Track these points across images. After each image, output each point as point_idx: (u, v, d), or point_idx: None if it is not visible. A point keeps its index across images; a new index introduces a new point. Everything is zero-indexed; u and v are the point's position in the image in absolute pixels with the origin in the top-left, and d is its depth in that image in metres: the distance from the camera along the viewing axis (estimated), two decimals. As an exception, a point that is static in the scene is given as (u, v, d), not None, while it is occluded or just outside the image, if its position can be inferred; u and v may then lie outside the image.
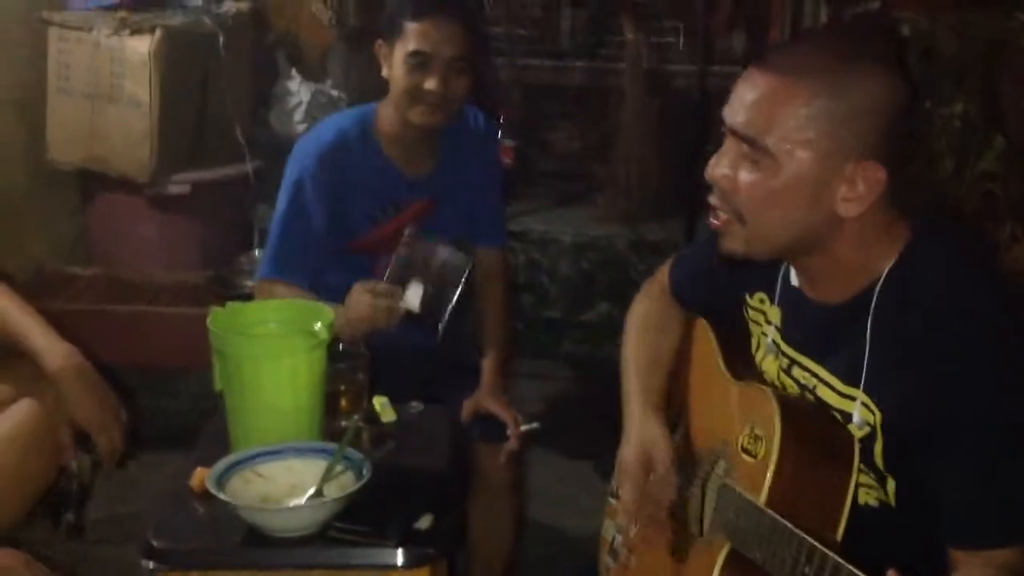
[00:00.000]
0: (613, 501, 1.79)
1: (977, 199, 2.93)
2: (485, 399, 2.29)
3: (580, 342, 4.04)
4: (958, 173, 3.07)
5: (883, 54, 1.36)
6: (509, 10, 4.27)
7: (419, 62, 2.20)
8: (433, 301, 2.17)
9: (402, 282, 2.17)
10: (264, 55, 3.96)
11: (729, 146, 1.38)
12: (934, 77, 3.09)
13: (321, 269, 2.30)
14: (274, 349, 1.78)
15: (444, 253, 2.20)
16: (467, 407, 2.28)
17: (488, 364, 2.37)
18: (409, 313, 2.17)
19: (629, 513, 1.62)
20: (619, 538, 1.74)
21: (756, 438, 1.41)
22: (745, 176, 1.36)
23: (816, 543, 1.24)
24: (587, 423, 3.31)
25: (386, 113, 2.32)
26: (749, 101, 1.35)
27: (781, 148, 1.32)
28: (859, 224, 1.36)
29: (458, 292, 2.20)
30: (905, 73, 1.38)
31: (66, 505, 2.04)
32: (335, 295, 2.17)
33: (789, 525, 1.28)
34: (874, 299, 1.36)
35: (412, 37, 2.21)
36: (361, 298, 2.15)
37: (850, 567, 1.19)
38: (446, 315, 2.20)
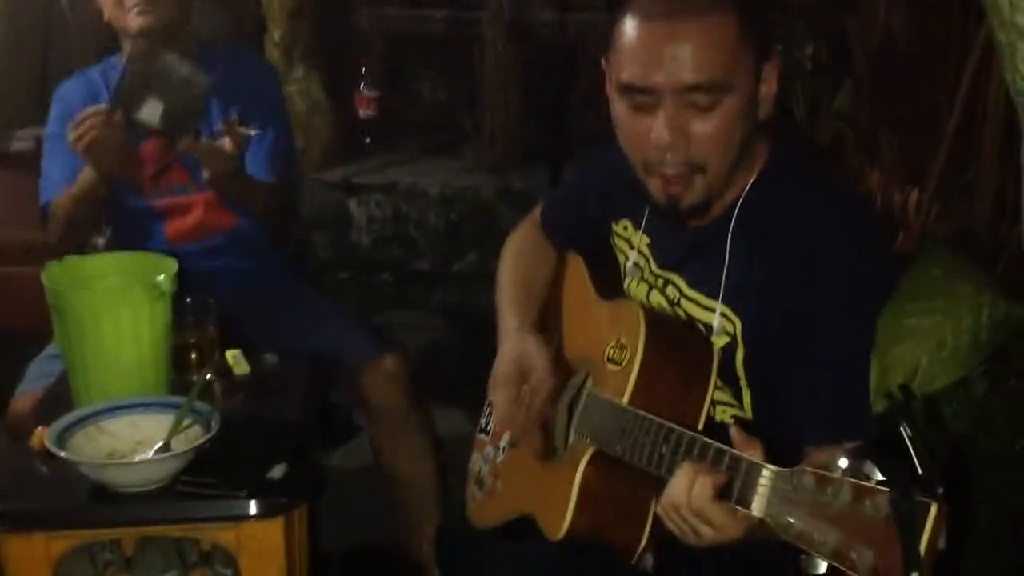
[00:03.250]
0: (481, 436, 1.80)
1: (829, 139, 3.00)
2: None
3: (451, 292, 4.03)
4: (812, 114, 3.14)
5: None
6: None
7: None
8: (176, 117, 2.10)
9: (137, 99, 2.09)
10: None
11: (667, 107, 1.34)
12: (786, 20, 3.14)
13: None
14: (113, 302, 1.72)
15: (183, 70, 2.10)
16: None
17: None
18: (150, 129, 2.11)
19: (503, 419, 1.62)
20: (486, 468, 1.75)
21: (621, 347, 1.46)
22: (697, 126, 1.34)
23: (671, 424, 1.30)
24: (459, 373, 3.30)
25: (123, 49, 2.33)
26: (674, 53, 1.32)
27: (726, 79, 1.33)
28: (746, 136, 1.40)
29: (202, 109, 2.15)
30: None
31: None
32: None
33: (647, 415, 1.34)
34: (735, 214, 1.42)
35: None
36: (84, 123, 2.08)
37: (702, 438, 1.24)
38: (193, 131, 2.13)
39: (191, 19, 2.34)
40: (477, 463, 1.79)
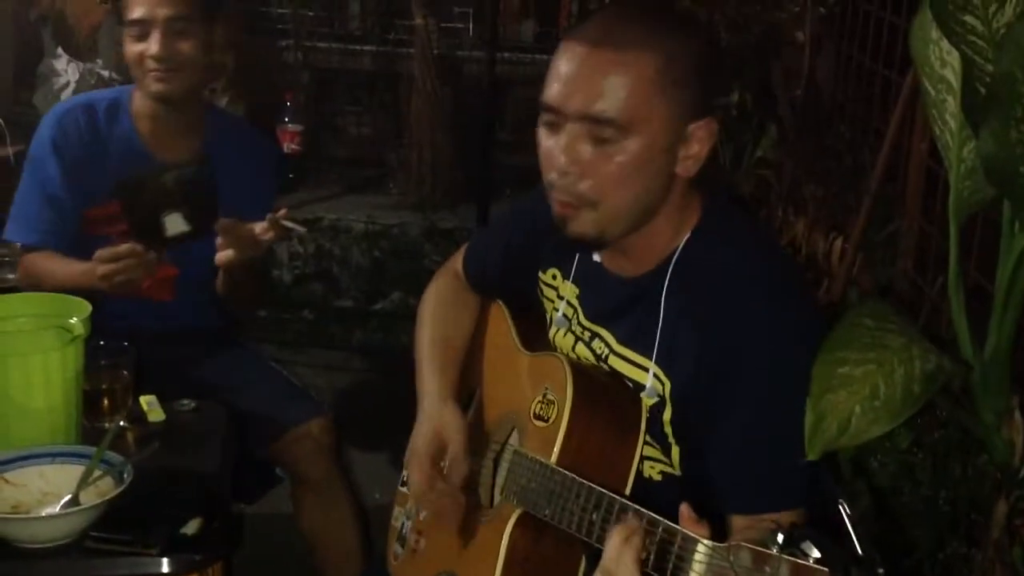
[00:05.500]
0: (403, 489, 1.75)
1: (752, 185, 3.03)
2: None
3: (373, 332, 3.98)
4: (736, 161, 3.17)
5: (685, 18, 1.37)
6: (296, -10, 4.16)
7: (140, 31, 2.17)
8: (197, 216, 2.04)
9: (154, 222, 2.03)
10: (27, 32, 3.72)
11: (568, 133, 1.32)
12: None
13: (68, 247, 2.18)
14: (22, 345, 1.65)
15: (172, 174, 2.05)
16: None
17: None
18: (183, 238, 2.05)
19: (417, 497, 1.59)
20: (408, 524, 1.70)
21: (548, 403, 1.42)
22: (593, 158, 1.31)
23: (602, 490, 1.26)
24: (381, 414, 3.25)
25: (137, 92, 2.27)
26: (587, 80, 1.30)
27: (633, 120, 1.29)
28: (679, 191, 1.38)
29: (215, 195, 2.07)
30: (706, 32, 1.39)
31: None
32: None
33: (577, 478, 1.30)
34: (669, 272, 1.39)
35: (129, 7, 2.19)
36: (119, 262, 2.00)
37: (634, 506, 1.20)
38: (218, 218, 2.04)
39: (205, 87, 2.30)
40: (399, 518, 1.74)
